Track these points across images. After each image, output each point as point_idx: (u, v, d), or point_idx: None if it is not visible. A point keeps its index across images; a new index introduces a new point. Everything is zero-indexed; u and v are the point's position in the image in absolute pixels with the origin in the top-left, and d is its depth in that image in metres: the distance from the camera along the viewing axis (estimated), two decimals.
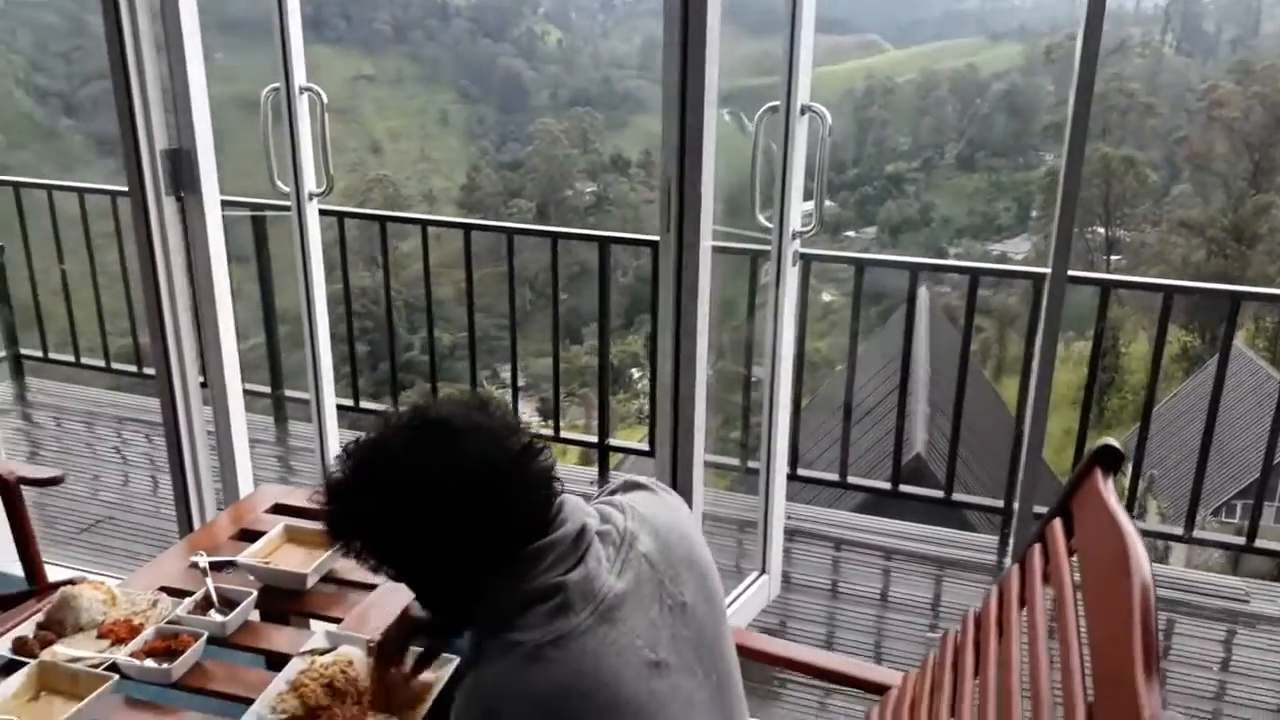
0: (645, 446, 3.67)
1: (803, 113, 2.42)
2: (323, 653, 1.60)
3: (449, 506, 1.12)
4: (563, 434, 3.97)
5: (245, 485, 2.69)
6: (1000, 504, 3.23)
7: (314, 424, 3.12)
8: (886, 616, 2.96)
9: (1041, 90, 23.74)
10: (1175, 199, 19.63)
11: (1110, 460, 1.26)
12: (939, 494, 3.31)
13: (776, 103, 2.42)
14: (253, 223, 3.65)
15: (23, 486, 2.14)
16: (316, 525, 2.06)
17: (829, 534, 3.32)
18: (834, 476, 3.45)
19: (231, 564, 1.95)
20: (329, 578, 1.96)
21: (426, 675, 1.52)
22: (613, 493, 1.35)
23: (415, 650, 1.49)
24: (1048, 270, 2.01)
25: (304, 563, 1.95)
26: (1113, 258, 20.05)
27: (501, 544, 1.15)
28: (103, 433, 4.14)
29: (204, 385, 2.64)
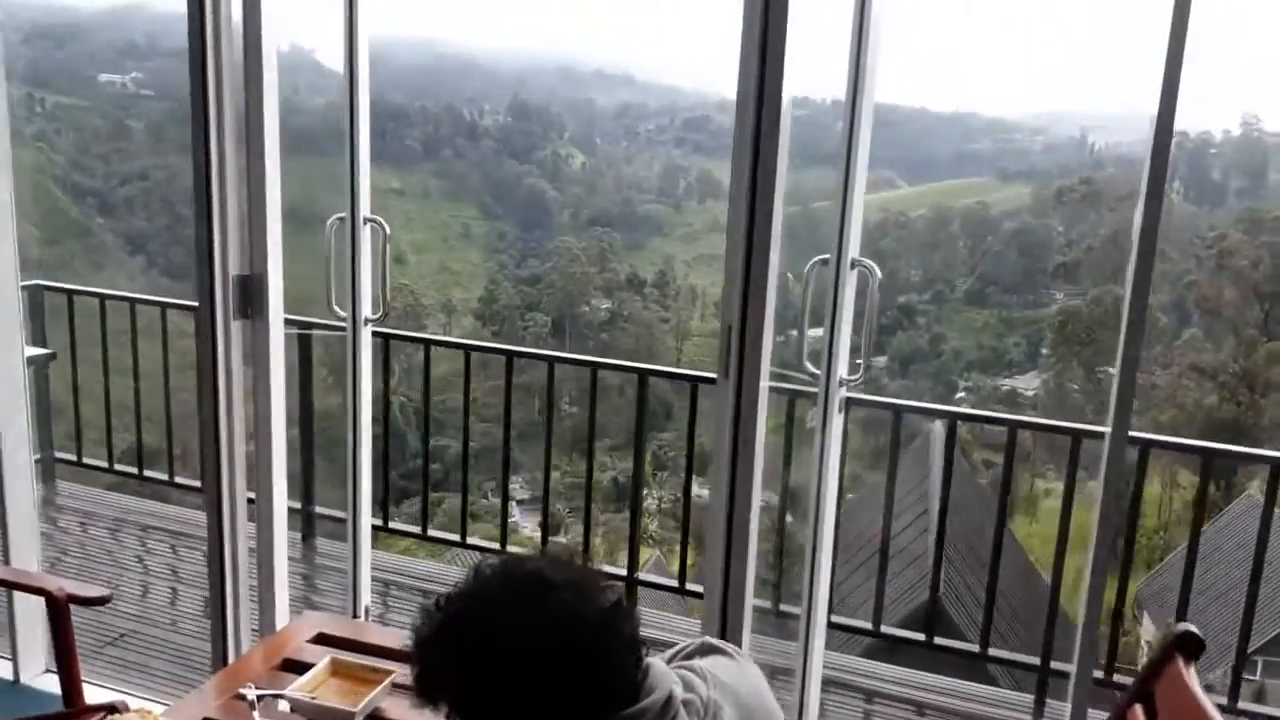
0: (664, 581, 3.64)
1: (853, 267, 2.50)
2: None
3: (544, 666, 1.12)
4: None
5: (282, 606, 2.68)
6: (1036, 661, 3.16)
7: (349, 544, 3.12)
8: None
9: (1052, 231, 24.25)
10: (1186, 343, 19.80)
11: (1191, 647, 1.26)
12: (974, 648, 3.25)
13: (827, 255, 2.50)
14: (299, 342, 3.73)
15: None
16: (363, 659, 2.06)
17: (860, 685, 3.25)
18: (866, 623, 3.40)
19: (278, 697, 1.93)
20: (375, 715, 1.93)
21: None
22: (689, 655, 1.34)
23: None
24: (1106, 430, 2.01)
25: (351, 699, 1.93)
26: None
27: (594, 708, 1.14)
28: (128, 541, 4.13)
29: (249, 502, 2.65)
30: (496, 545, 4.08)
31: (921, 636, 3.29)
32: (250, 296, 2.43)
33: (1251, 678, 13.29)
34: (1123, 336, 1.98)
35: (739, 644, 2.21)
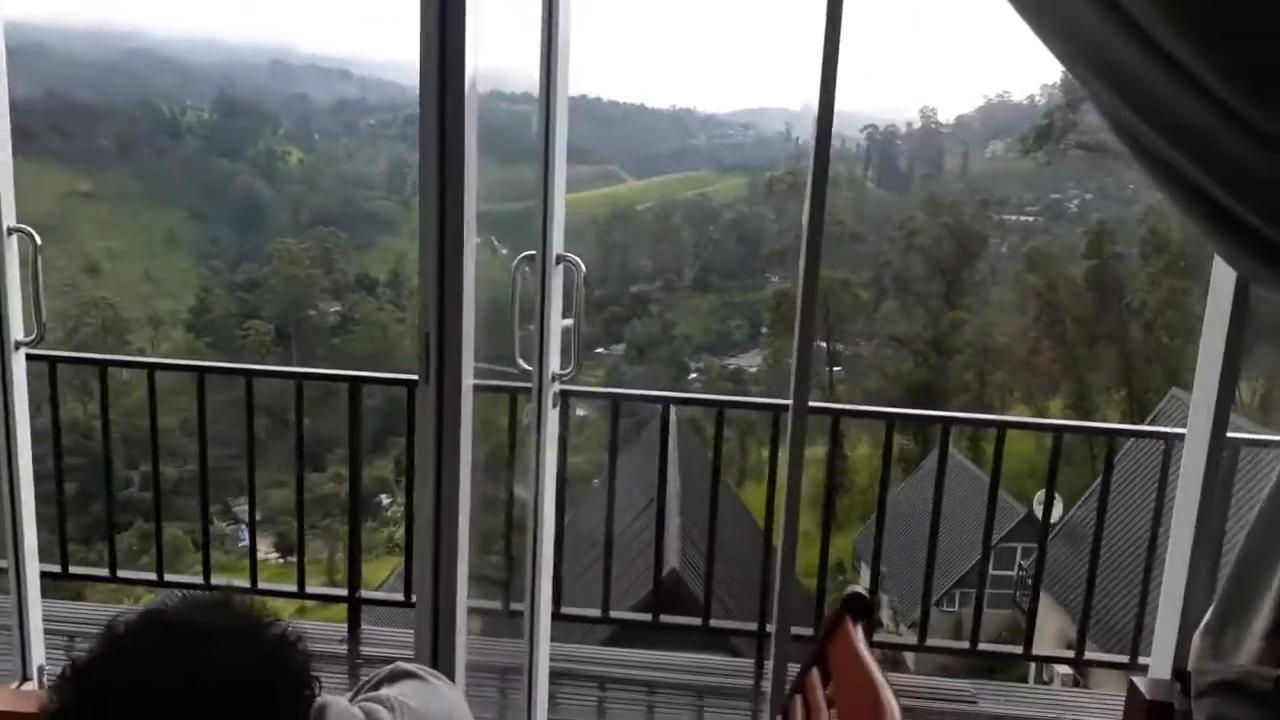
0: (400, 596, 3.49)
1: (558, 262, 2.49)
2: None
3: None
4: (308, 587, 3.67)
5: None
6: (754, 627, 3.32)
7: (12, 597, 2.75)
8: None
9: (765, 219, 25.94)
10: (884, 315, 21.86)
11: (859, 608, 1.34)
12: (697, 621, 3.38)
13: (533, 252, 2.48)
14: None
15: None
16: None
17: (591, 673, 3.28)
18: (595, 611, 3.43)
19: None
20: None
21: None
22: (378, 684, 1.26)
23: None
24: (789, 402, 2.13)
25: None
26: (835, 369, 21.92)
27: None
28: None
29: None
30: (199, 580, 3.72)
31: (648, 617, 3.37)
32: None
33: (951, 609, 14.97)
34: (798, 314, 2.08)
35: (452, 651, 2.14)
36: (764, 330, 23.91)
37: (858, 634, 1.31)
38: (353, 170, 25.72)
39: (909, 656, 12.59)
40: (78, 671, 1.04)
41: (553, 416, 2.59)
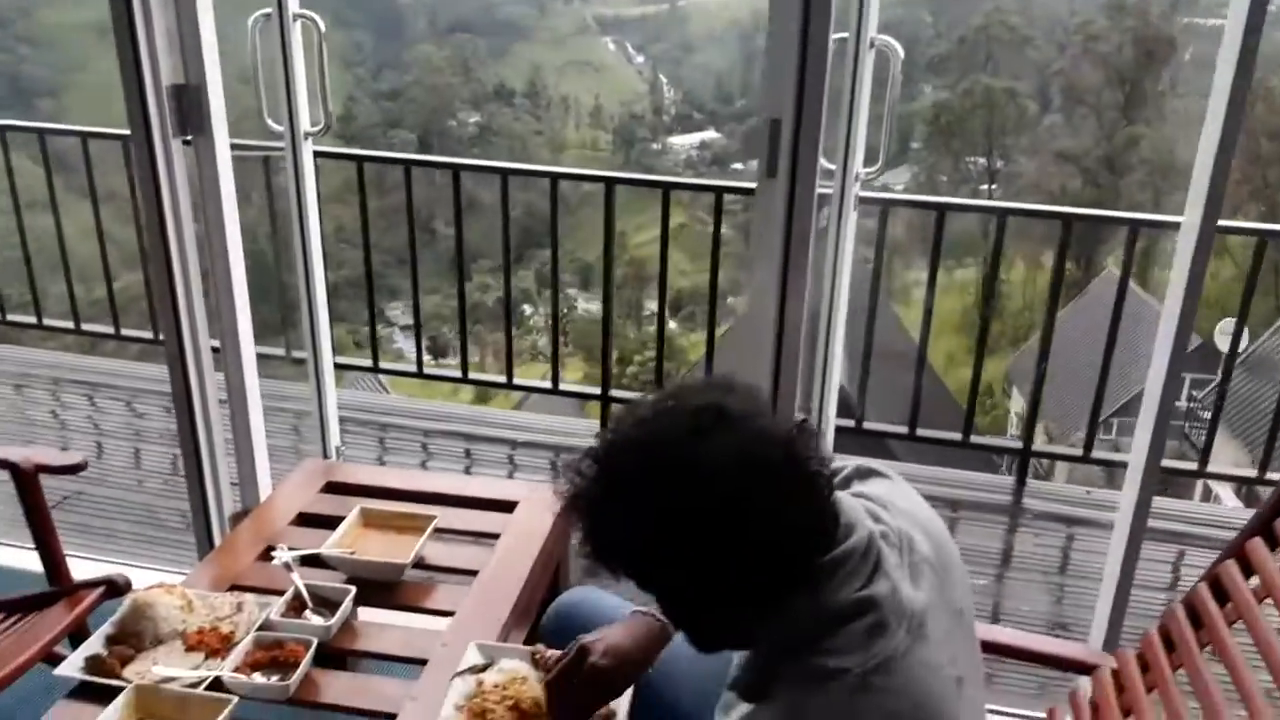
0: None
1: (871, 46, 2.29)
2: (481, 669, 1.42)
3: (749, 510, 0.97)
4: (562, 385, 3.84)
5: (261, 457, 2.46)
6: (1019, 445, 3.28)
7: (312, 384, 2.87)
8: None
9: (921, 22, 24.04)
10: (1048, 129, 20.36)
11: None
12: (957, 436, 3.32)
13: (844, 34, 2.28)
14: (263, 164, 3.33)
15: (41, 475, 1.86)
16: (395, 506, 1.88)
17: None
18: (848, 422, 3.41)
19: (315, 557, 1.75)
20: (419, 562, 1.78)
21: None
22: (847, 480, 1.21)
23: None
24: (1182, 219, 1.87)
25: (393, 550, 1.77)
26: (992, 187, 20.77)
27: (802, 552, 1.01)
28: (70, 400, 3.74)
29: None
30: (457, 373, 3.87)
31: (905, 430, 3.33)
32: (188, 111, 2.05)
33: (1107, 437, 14.60)
34: (1221, 124, 1.78)
35: None
36: (915, 144, 22.64)
37: None
38: None
39: (1059, 471, 12.43)
40: (610, 450, 1.02)
41: (853, 218, 2.46)
